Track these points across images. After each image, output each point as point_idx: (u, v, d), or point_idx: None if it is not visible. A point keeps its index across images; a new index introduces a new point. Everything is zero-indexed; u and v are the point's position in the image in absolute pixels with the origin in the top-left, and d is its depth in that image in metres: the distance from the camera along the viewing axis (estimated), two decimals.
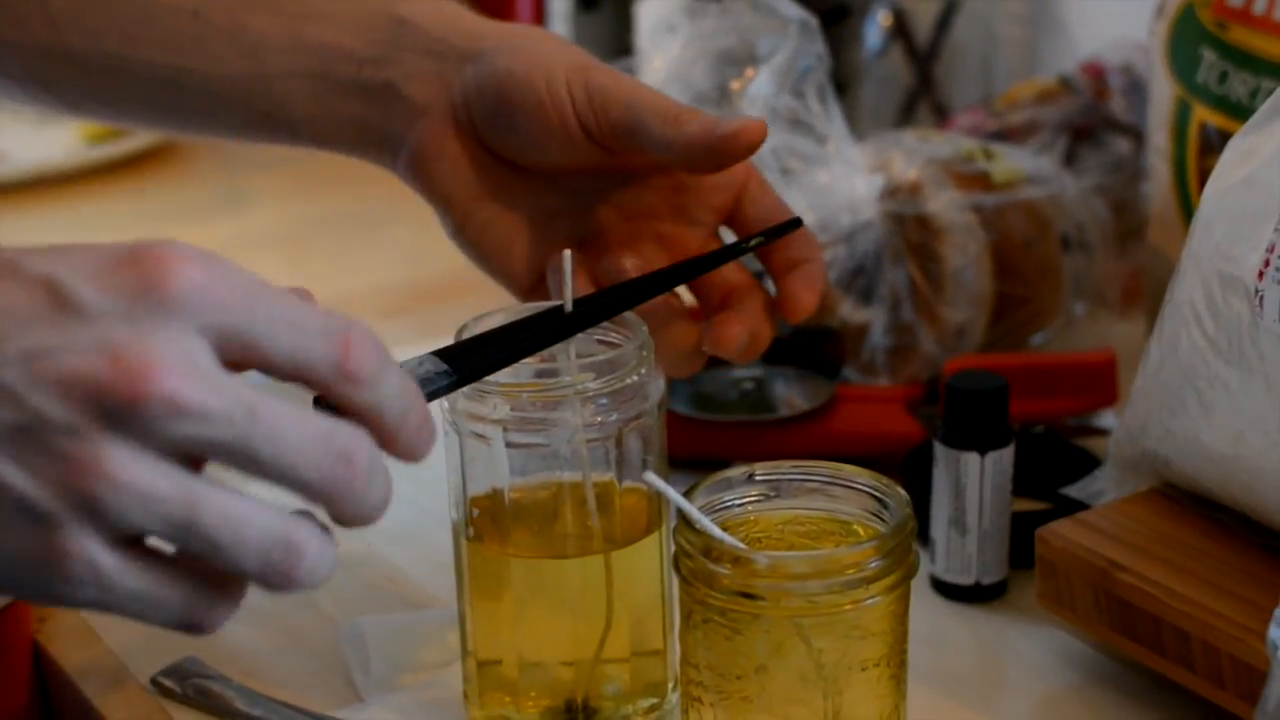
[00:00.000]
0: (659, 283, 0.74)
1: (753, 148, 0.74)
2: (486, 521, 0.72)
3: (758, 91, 0.95)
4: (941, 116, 1.30)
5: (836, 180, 0.97)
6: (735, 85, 0.98)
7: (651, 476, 0.68)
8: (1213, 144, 0.96)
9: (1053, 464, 0.91)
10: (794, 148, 0.97)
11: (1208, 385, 0.73)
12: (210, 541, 0.51)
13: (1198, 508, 0.76)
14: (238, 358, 0.52)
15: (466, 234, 0.79)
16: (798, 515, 0.69)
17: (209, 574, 0.53)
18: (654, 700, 0.74)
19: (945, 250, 0.97)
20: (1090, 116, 1.13)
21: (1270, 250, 0.71)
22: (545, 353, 0.69)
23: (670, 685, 0.75)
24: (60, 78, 0.82)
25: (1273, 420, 0.70)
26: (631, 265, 0.77)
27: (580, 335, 0.70)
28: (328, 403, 0.54)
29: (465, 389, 0.67)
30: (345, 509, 0.53)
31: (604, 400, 0.69)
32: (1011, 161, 1.03)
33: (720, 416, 0.94)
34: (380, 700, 0.77)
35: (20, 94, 0.84)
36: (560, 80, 0.76)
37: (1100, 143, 1.13)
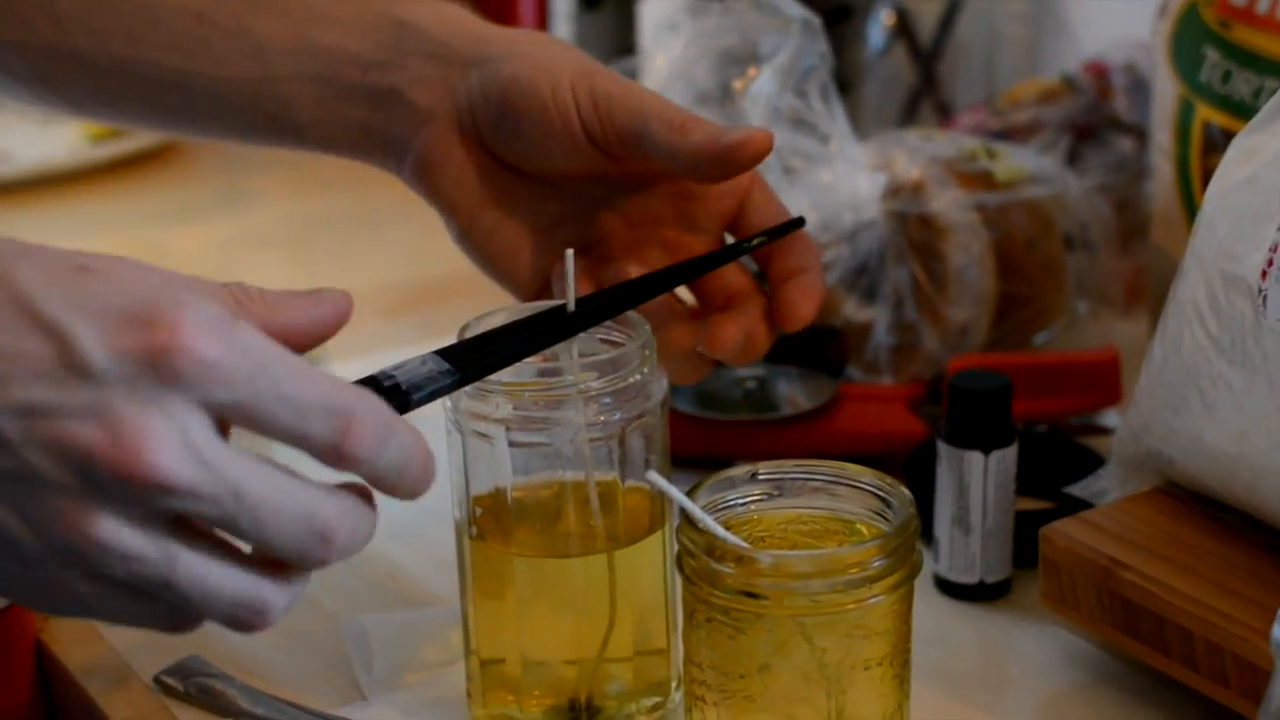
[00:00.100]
0: (661, 282, 0.74)
1: (758, 157, 0.74)
2: (489, 520, 0.72)
3: (760, 91, 0.95)
4: (944, 116, 1.30)
5: (839, 179, 0.97)
6: (738, 84, 0.97)
7: (654, 475, 0.68)
8: (1216, 143, 0.96)
9: (1056, 463, 0.91)
10: (797, 147, 0.97)
11: (1211, 384, 0.73)
12: (183, 598, 0.54)
13: (1201, 507, 0.76)
14: (238, 425, 0.54)
15: (471, 239, 0.79)
16: (801, 514, 0.69)
17: None
18: (657, 699, 0.74)
19: (948, 249, 0.97)
20: (1093, 115, 1.13)
21: (1273, 249, 0.71)
22: (548, 352, 0.69)
23: (673, 684, 0.75)
24: (65, 78, 0.82)
25: (1276, 419, 0.70)
26: (636, 272, 0.77)
27: (583, 334, 0.70)
28: None
29: (468, 388, 0.67)
30: (315, 569, 0.57)
31: (607, 399, 0.69)
32: (1014, 161, 1.03)
33: (723, 415, 0.94)
34: (383, 699, 0.77)
35: (25, 94, 0.84)
36: (565, 86, 0.75)
37: (1103, 142, 1.13)
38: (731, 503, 0.69)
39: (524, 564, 0.72)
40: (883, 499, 0.68)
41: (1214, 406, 0.73)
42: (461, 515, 0.72)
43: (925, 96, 1.32)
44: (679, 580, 0.68)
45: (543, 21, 1.47)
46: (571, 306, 0.69)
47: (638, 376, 0.70)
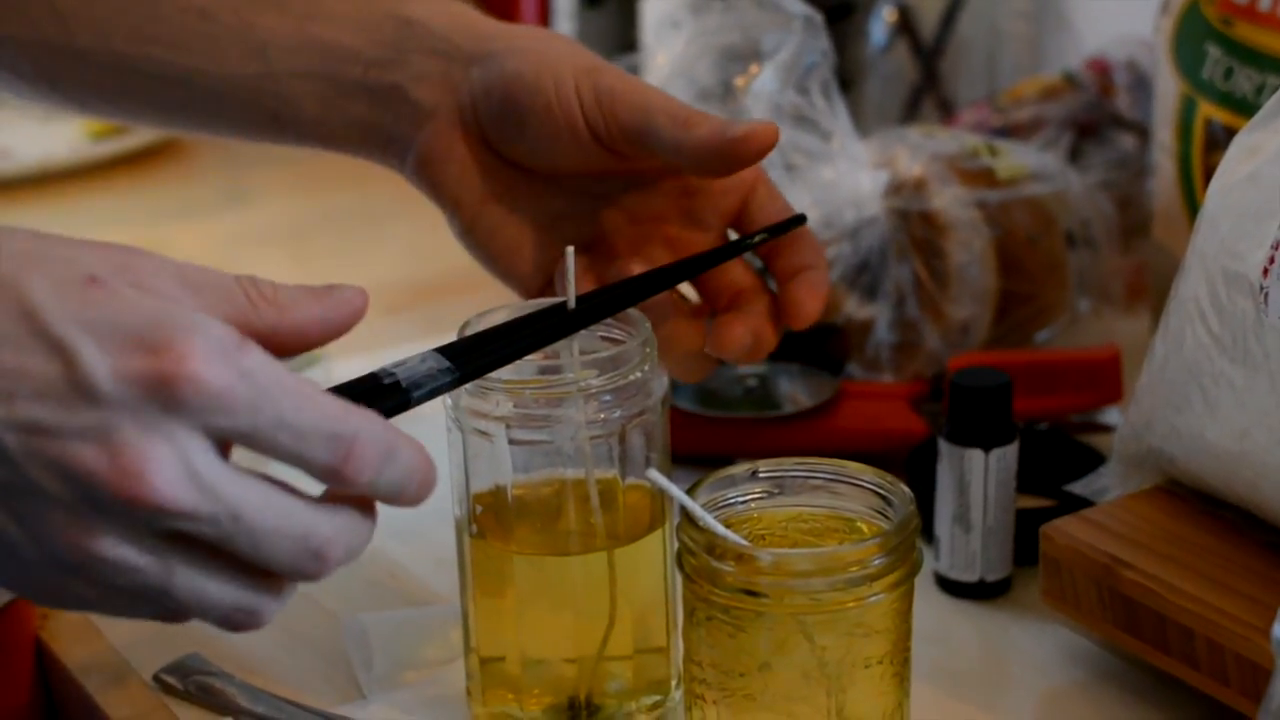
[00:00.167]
0: (663, 279, 0.74)
1: (763, 151, 0.74)
2: (489, 518, 0.72)
3: (762, 88, 0.95)
4: (946, 113, 1.29)
5: (841, 176, 0.97)
6: (740, 81, 0.97)
7: (655, 473, 0.68)
8: (1218, 140, 0.96)
9: (1057, 461, 0.91)
10: (799, 144, 0.97)
11: (1212, 382, 0.73)
12: (180, 605, 0.56)
13: (1202, 505, 0.76)
14: (240, 446, 0.55)
15: (474, 236, 0.79)
16: (801, 512, 0.69)
17: None
18: (657, 697, 0.74)
19: (950, 246, 0.97)
20: (1095, 113, 1.13)
21: (1275, 247, 0.71)
22: (548, 349, 0.69)
23: (673, 682, 0.74)
24: (67, 75, 0.82)
25: (1277, 417, 0.70)
26: (638, 269, 0.76)
27: (583, 332, 0.70)
28: None
29: (468, 386, 0.67)
30: (310, 582, 0.57)
31: (607, 397, 0.69)
32: (1016, 158, 1.03)
33: (724, 413, 0.94)
34: (383, 697, 0.77)
35: (27, 90, 0.83)
36: (569, 82, 0.75)
37: (1105, 139, 1.13)
38: (732, 500, 0.69)
39: (524, 562, 0.71)
40: (883, 497, 0.68)
41: (1215, 404, 0.73)
42: (462, 513, 0.72)
43: (927, 93, 1.31)
44: (679, 578, 0.68)
45: (545, 18, 1.47)
46: (572, 304, 0.69)
47: (638, 374, 0.70)
